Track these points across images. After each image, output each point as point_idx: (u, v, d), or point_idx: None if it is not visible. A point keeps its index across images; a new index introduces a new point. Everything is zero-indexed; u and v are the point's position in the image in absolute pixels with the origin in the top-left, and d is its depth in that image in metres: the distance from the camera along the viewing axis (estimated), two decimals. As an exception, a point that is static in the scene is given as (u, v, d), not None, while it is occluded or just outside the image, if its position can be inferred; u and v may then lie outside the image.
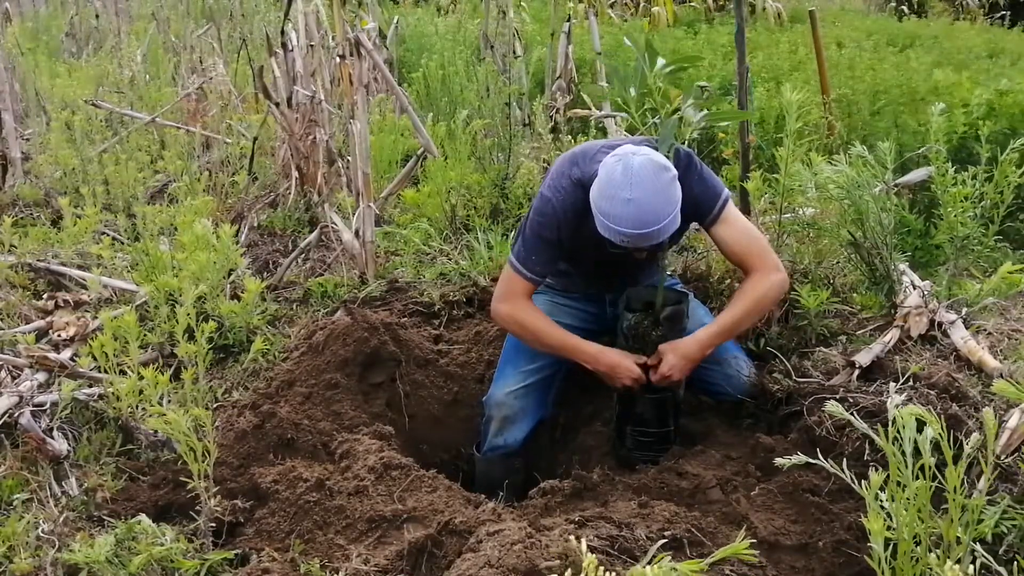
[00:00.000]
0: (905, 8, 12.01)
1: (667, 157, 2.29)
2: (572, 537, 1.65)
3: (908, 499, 1.50)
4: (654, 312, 2.45)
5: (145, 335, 2.83)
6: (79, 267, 3.54)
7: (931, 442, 1.49)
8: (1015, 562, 1.60)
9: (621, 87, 2.28)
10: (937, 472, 1.51)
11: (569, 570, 1.31)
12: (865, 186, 2.67)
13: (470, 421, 2.81)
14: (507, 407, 2.61)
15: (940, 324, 2.58)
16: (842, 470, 1.60)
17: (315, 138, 4.38)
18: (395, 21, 7.26)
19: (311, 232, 3.98)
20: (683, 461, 2.31)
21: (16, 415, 2.39)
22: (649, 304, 2.47)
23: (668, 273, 2.64)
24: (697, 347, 2.39)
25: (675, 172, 2.22)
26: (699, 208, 2.40)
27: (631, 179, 2.15)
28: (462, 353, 2.94)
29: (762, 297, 2.40)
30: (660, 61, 2.24)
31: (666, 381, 2.39)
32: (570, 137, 4.88)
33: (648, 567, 1.31)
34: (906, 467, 1.50)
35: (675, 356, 2.37)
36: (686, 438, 2.52)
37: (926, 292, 2.70)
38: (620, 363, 2.43)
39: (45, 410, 2.50)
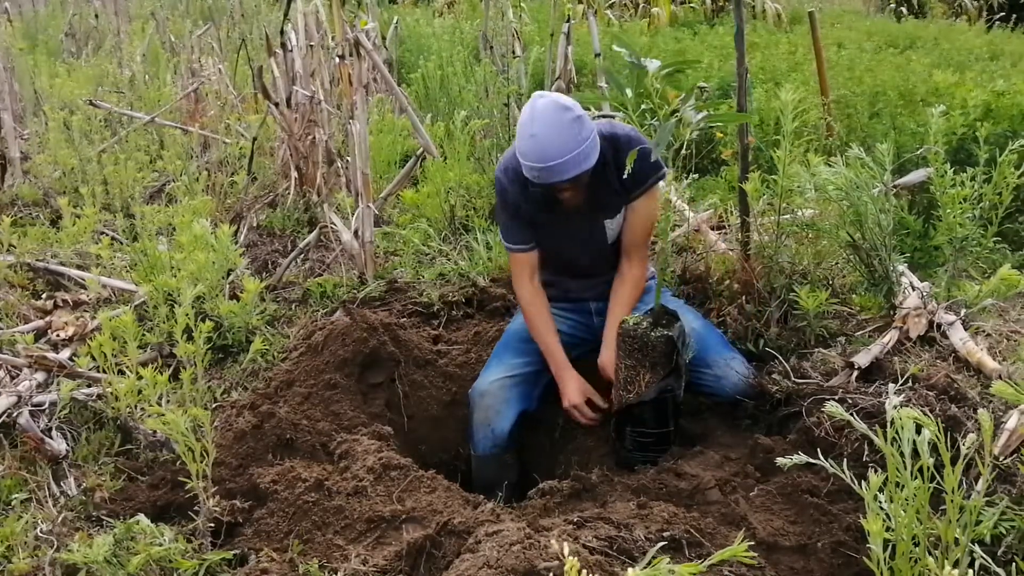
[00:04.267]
0: (904, 9, 12.02)
1: (664, 159, 2.29)
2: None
3: (906, 500, 1.50)
4: (654, 314, 2.45)
5: (144, 335, 2.83)
6: (78, 267, 3.54)
7: (929, 443, 1.48)
8: (1014, 563, 1.61)
9: (619, 89, 2.28)
10: (936, 473, 1.51)
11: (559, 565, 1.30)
12: (864, 187, 2.66)
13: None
14: (491, 396, 2.63)
15: (939, 325, 2.58)
16: (841, 471, 1.60)
17: (314, 138, 4.38)
18: (395, 22, 7.27)
19: (310, 232, 3.98)
20: (682, 462, 2.31)
21: (15, 415, 2.39)
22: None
23: (665, 284, 2.67)
24: (608, 351, 2.58)
25: (581, 113, 2.38)
26: (636, 172, 2.32)
27: (534, 117, 2.37)
28: (461, 354, 2.94)
29: (636, 291, 2.67)
30: (655, 63, 2.24)
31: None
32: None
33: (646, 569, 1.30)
34: (904, 468, 1.50)
35: (604, 365, 2.61)
36: (685, 439, 2.52)
37: (925, 293, 2.70)
38: (565, 387, 2.62)
39: (44, 410, 2.50)
